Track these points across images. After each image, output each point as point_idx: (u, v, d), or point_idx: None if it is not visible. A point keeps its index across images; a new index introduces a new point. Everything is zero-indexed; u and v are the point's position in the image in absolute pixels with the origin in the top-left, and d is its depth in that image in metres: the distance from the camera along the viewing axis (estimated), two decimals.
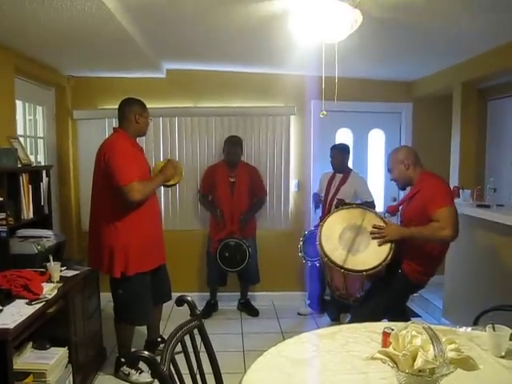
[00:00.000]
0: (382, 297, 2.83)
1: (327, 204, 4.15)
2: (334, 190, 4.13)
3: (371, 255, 2.72)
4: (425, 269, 2.83)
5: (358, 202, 3.83)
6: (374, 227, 2.78)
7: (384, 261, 2.69)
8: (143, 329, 3.47)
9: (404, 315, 3.16)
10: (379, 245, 2.74)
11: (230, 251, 4.13)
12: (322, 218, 4.08)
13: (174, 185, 3.34)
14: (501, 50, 3.32)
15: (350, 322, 2.77)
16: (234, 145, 4.28)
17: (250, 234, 4.36)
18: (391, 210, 3.09)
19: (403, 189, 3.08)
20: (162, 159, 4.51)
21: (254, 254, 4.34)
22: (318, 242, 2.86)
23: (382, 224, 2.80)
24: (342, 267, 2.71)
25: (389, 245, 2.73)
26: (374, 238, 2.76)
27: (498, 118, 4.58)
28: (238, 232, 4.21)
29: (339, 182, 4.13)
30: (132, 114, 3.03)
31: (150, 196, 3.01)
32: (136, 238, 2.96)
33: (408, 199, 2.93)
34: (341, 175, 4.17)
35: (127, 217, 2.93)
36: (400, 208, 3.05)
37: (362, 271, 2.68)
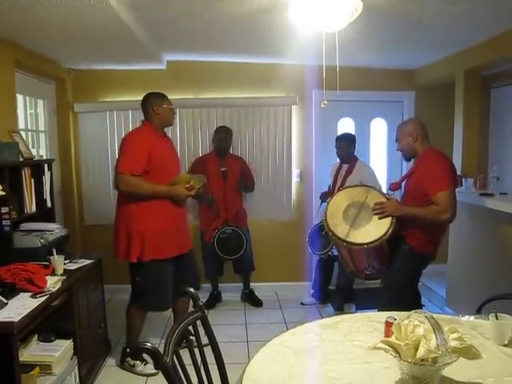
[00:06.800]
0: (397, 277, 2.94)
1: None
2: (341, 180, 4.11)
3: (372, 229, 2.84)
4: (429, 239, 2.89)
5: None
6: (376, 204, 2.87)
7: (384, 235, 2.78)
8: (154, 322, 3.48)
9: (419, 299, 3.19)
10: (379, 218, 2.83)
11: (227, 239, 4.17)
12: None
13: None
14: (503, 37, 3.27)
15: (379, 310, 2.79)
16: (224, 132, 4.39)
17: (243, 224, 4.40)
18: (394, 187, 3.14)
19: (408, 160, 3.16)
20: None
21: (249, 243, 4.36)
22: (323, 218, 2.97)
23: (383, 200, 2.89)
24: (344, 240, 2.83)
25: (389, 220, 2.82)
26: (375, 214, 2.86)
27: (502, 105, 4.55)
28: (233, 220, 4.27)
29: (345, 173, 4.11)
30: (149, 106, 3.14)
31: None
32: (153, 224, 3.00)
33: (409, 175, 3.01)
34: (347, 165, 4.15)
35: (144, 203, 2.99)
36: (402, 184, 3.11)
37: (362, 244, 2.79)
